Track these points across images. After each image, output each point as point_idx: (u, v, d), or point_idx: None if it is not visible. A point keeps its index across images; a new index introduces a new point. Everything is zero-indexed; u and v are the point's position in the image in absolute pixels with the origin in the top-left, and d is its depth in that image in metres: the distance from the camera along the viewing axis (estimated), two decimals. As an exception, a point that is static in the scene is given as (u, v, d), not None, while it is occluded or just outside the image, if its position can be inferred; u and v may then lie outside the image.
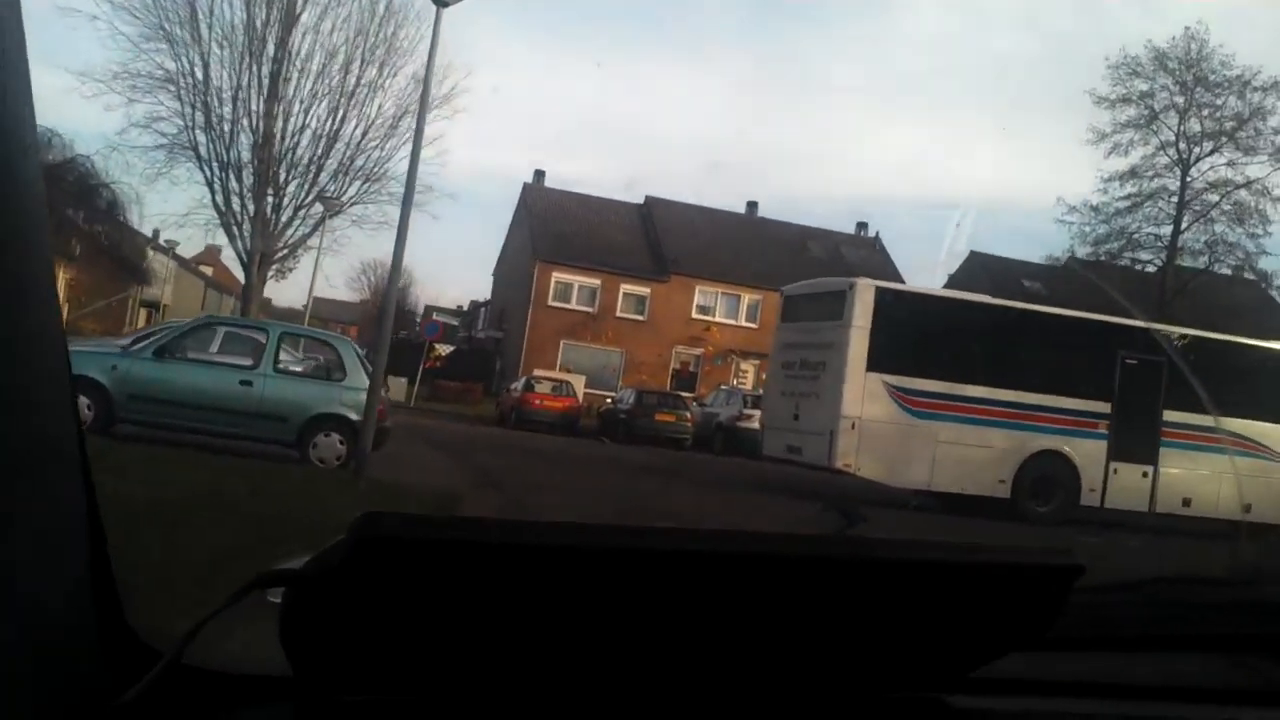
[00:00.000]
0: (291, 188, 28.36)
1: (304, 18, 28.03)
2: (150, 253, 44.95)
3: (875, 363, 16.12)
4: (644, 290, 42.49)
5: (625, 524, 1.01)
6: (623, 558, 0.98)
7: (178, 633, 0.97)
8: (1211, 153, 36.04)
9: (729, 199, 58.76)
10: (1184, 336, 18.25)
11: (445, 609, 0.96)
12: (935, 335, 16.61)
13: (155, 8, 26.64)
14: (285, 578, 0.95)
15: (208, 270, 67.36)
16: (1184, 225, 36.45)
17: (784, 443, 17.42)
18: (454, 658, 1.04)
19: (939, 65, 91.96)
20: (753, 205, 49.08)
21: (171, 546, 5.51)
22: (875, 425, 16.06)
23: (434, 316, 51.12)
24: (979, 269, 41.01)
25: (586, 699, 1.11)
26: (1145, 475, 17.00)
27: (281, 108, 27.77)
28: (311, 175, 28.33)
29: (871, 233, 49.24)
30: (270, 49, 27.51)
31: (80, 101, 24.94)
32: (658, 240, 43.80)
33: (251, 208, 27.81)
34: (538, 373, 33.44)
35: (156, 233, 45.00)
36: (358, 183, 28.82)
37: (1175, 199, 36.27)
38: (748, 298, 42.18)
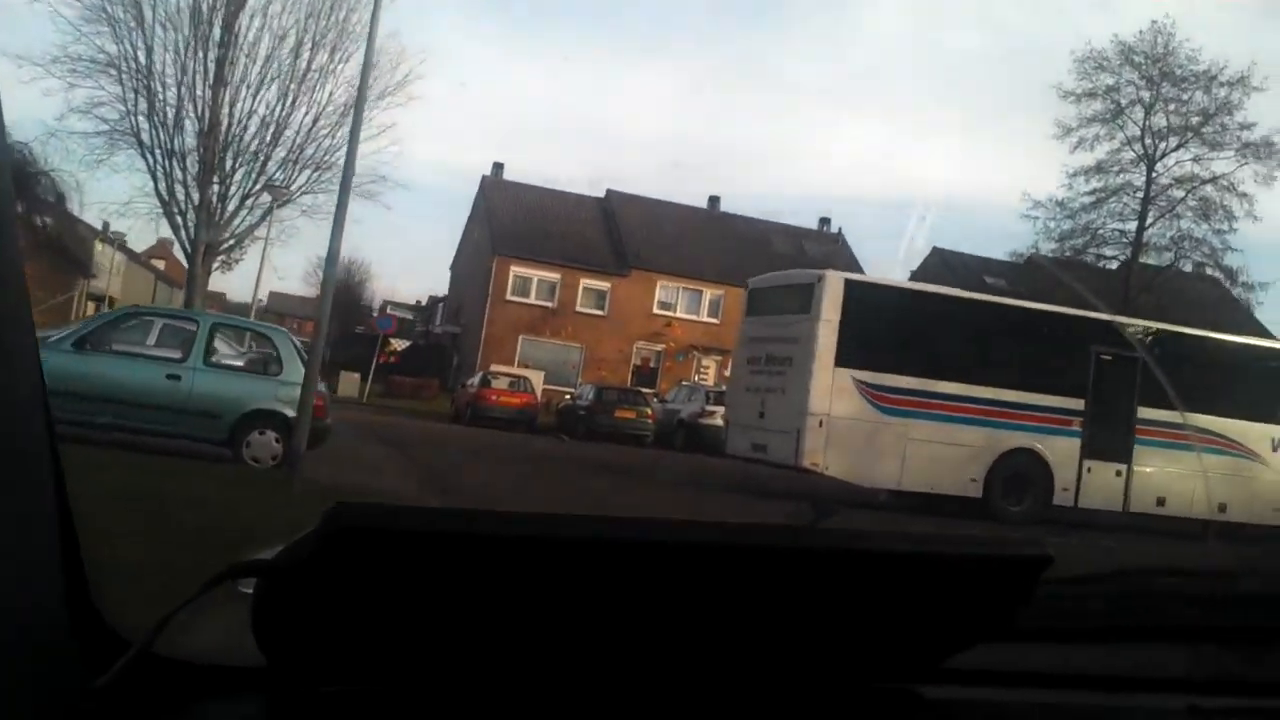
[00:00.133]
0: (238, 176, 27.44)
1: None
2: (99, 245, 43.67)
3: (844, 358, 15.52)
4: (604, 285, 41.88)
5: (600, 515, 0.99)
6: (597, 548, 0.98)
7: (150, 623, 0.97)
8: (1177, 148, 35.86)
9: (691, 195, 58.21)
10: (1159, 331, 17.84)
11: (417, 599, 0.97)
12: (906, 330, 16.10)
13: (98, -11, 25.58)
14: (257, 568, 0.95)
15: (159, 264, 65.75)
16: (1149, 221, 36.20)
17: (749, 441, 16.77)
18: (427, 648, 1.04)
19: (901, 62, 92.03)
20: (715, 200, 48.51)
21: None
22: (844, 423, 15.46)
23: (388, 310, 49.91)
24: (941, 265, 40.74)
25: (562, 689, 1.10)
26: (1119, 474, 16.59)
27: (228, 93, 26.81)
28: (259, 163, 27.38)
29: (835, 229, 48.79)
30: (216, 32, 26.47)
31: (18, 86, 23.73)
32: (619, 234, 43.17)
33: (196, 196, 26.77)
34: (495, 368, 32.67)
35: (106, 225, 43.74)
36: (307, 171, 27.93)
37: (1140, 195, 36.01)
38: (709, 293, 41.74)
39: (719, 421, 21.82)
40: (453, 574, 0.95)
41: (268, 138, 27.22)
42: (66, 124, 25.91)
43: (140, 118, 26.46)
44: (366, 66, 11.09)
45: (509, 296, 41.04)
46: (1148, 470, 16.46)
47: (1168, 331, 17.80)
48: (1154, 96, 35.59)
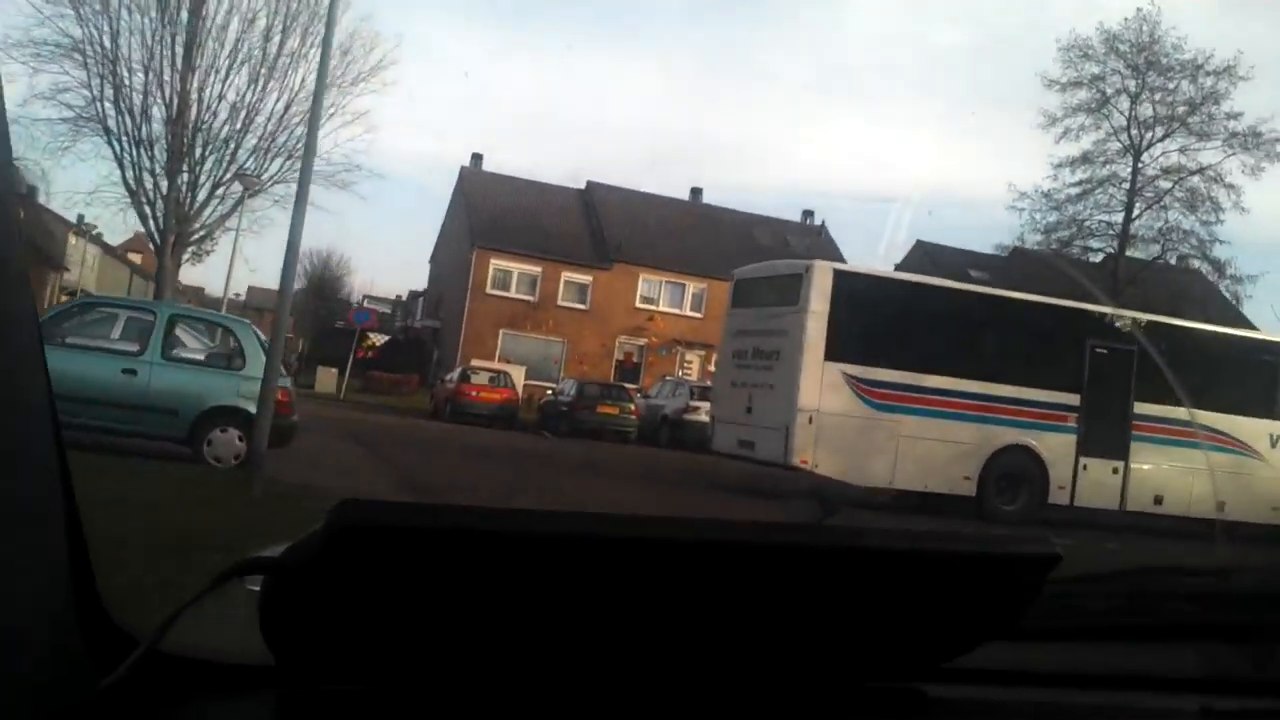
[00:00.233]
0: (208, 164, 26.68)
1: (220, -20, 26.27)
2: (72, 239, 42.78)
3: (834, 351, 14.99)
4: (586, 278, 41.30)
5: (605, 512, 1.00)
6: (603, 546, 0.98)
7: (157, 620, 0.97)
8: (1164, 138, 35.46)
9: (673, 188, 57.62)
10: (1156, 324, 17.41)
11: (425, 597, 0.97)
12: (898, 322, 15.63)
13: (61, -30, 24.76)
14: (264, 565, 0.95)
15: (136, 258, 64.72)
16: (1136, 213, 35.83)
17: (735, 437, 16.23)
18: (434, 646, 1.04)
19: (883, 55, 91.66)
20: (697, 192, 47.98)
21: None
22: (834, 419, 14.94)
23: (365, 304, 49.08)
24: (924, 258, 40.39)
25: (567, 686, 1.11)
26: (1116, 471, 16.19)
27: (196, 78, 25.98)
28: (229, 151, 26.58)
29: (818, 222, 48.32)
30: (184, 15, 25.67)
31: (-22, 70, 22.94)
32: (600, 227, 42.58)
33: (164, 185, 25.98)
34: (474, 363, 32.04)
35: (80, 218, 42.91)
36: (280, 160, 27.17)
37: (1127, 186, 35.62)
38: (693, 286, 41.26)
39: (704, 417, 21.35)
40: (460, 571, 0.95)
41: (238, 125, 26.50)
42: (30, 110, 25.10)
43: (106, 104, 25.76)
44: (326, 48, 10.43)
45: (489, 290, 40.43)
46: (1145, 468, 16.13)
47: (1165, 324, 17.43)
48: (1140, 86, 35.20)
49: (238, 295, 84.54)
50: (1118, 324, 16.50)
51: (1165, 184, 35.54)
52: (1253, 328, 29.21)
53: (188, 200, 26.56)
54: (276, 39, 26.77)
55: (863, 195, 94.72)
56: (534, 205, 42.78)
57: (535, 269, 40.83)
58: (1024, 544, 1.11)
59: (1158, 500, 16.11)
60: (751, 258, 26.59)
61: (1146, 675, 1.51)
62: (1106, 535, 13.96)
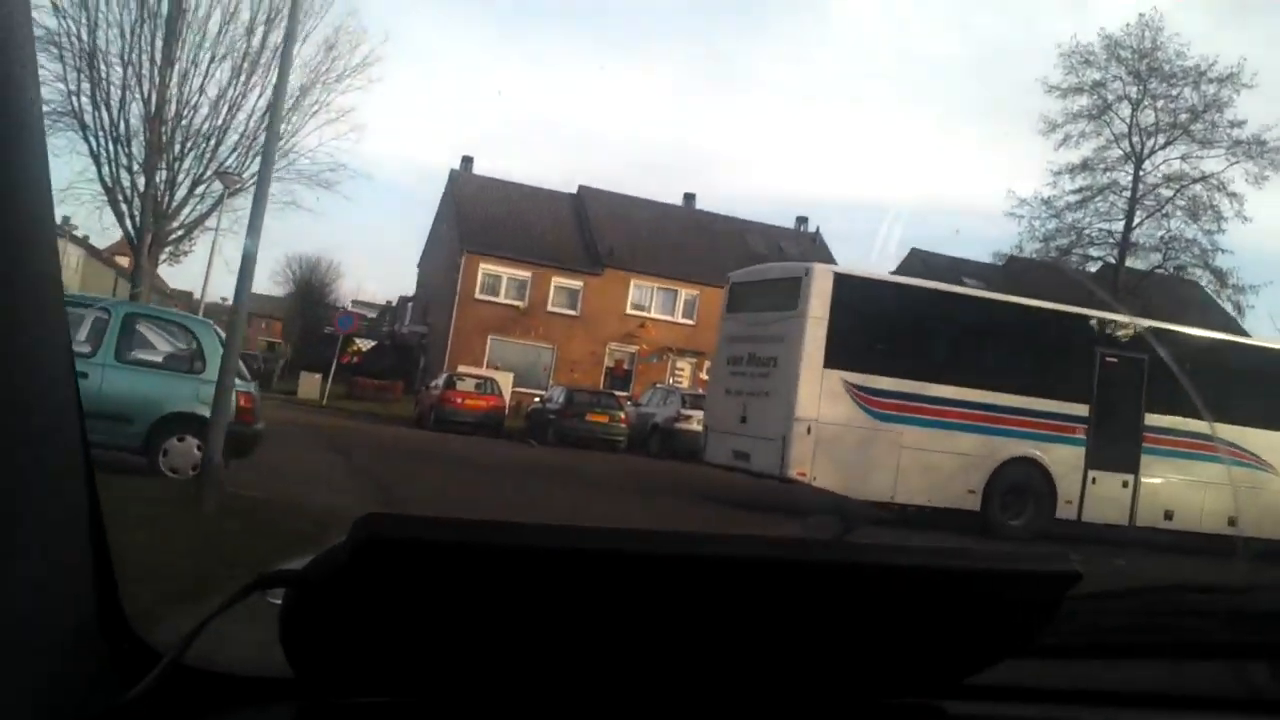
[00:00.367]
0: (187, 161, 25.90)
1: (202, -27, 25.54)
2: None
3: (833, 358, 14.31)
4: (577, 284, 40.65)
5: (627, 527, 1.00)
6: (623, 561, 0.99)
7: (180, 633, 0.98)
8: (1165, 146, 34.92)
9: (665, 194, 57.00)
10: (1168, 332, 16.79)
11: (447, 611, 0.97)
12: (900, 328, 15.01)
13: (35, -41, 24.01)
14: (286, 579, 0.95)
15: (123, 261, 63.77)
16: (1137, 221, 35.24)
17: (729, 448, 15.52)
18: (456, 660, 1.04)
19: (878, 62, 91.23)
20: (690, 198, 47.31)
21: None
22: (833, 429, 14.25)
23: (349, 308, 48.27)
24: (919, 266, 39.83)
25: (586, 702, 1.11)
26: (1125, 485, 15.56)
27: (176, 72, 25.20)
28: (210, 148, 25.77)
29: (811, 228, 47.66)
30: (165, 7, 24.91)
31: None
32: (591, 232, 41.92)
33: (142, 182, 25.18)
34: (461, 369, 31.31)
35: (66, 219, 42.03)
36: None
37: (1128, 194, 35.05)
38: (685, 293, 40.65)
39: (696, 426, 20.67)
40: (483, 586, 0.95)
41: (219, 121, 25.69)
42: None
43: (83, 98, 24.98)
44: (289, 38, 9.75)
45: (478, 295, 39.77)
46: (1156, 481, 15.55)
47: (1177, 332, 16.81)
48: (1141, 92, 34.69)
49: (224, 299, 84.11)
50: (1129, 331, 15.87)
51: (1167, 192, 35.02)
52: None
53: (166, 198, 25.82)
54: (260, 33, 26.07)
55: (857, 203, 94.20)
56: (524, 209, 42.16)
57: (525, 274, 40.17)
58: (1044, 561, 1.11)
59: (1168, 515, 15.55)
60: (744, 264, 25.90)
61: (1164, 693, 1.51)
62: (1116, 551, 13.39)
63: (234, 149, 26.29)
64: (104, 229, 63.15)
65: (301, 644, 0.98)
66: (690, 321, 40.03)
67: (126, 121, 25.24)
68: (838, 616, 1.09)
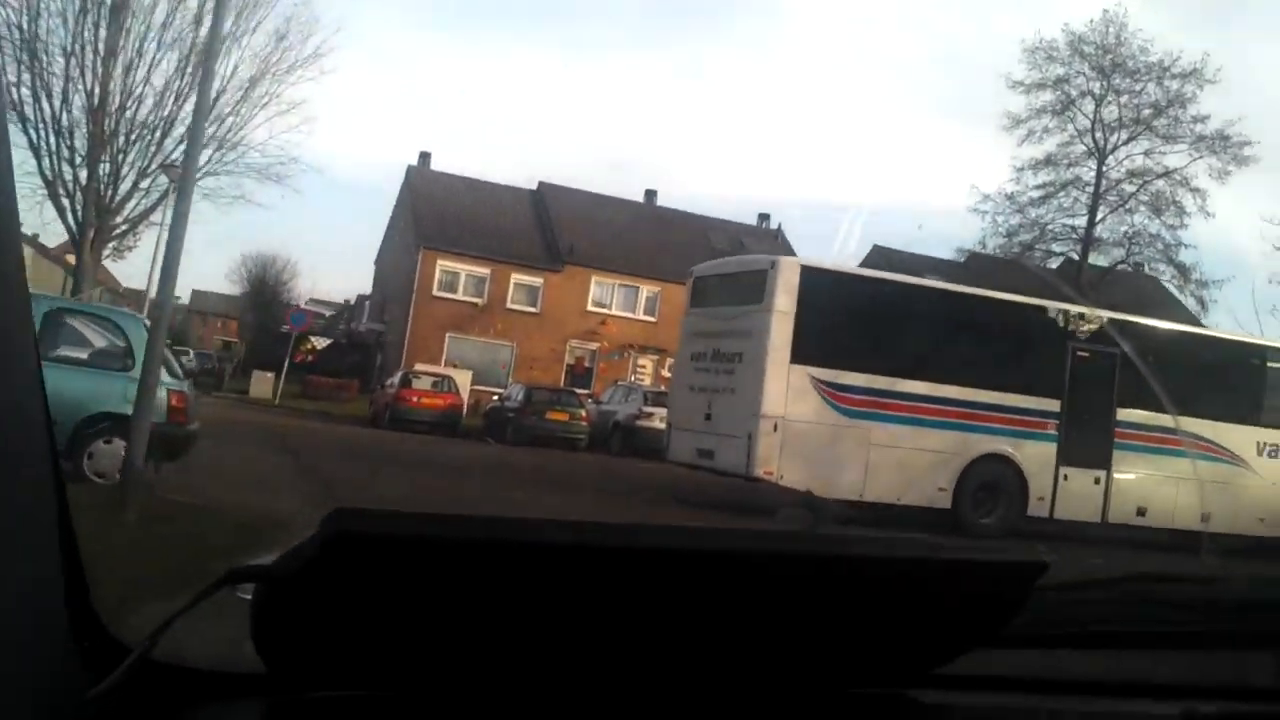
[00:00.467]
0: (132, 154, 24.96)
1: (148, -38, 24.65)
2: None
3: (801, 354, 13.85)
4: (536, 281, 40.06)
5: (597, 520, 0.99)
6: (595, 554, 0.98)
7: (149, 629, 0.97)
8: (1128, 141, 34.84)
9: (626, 191, 56.29)
10: (1140, 326, 16.53)
11: (416, 605, 0.97)
12: (869, 322, 14.58)
13: (-26, -51, 23.08)
14: (256, 574, 0.95)
15: (73, 259, 62.23)
16: (1100, 216, 35.15)
17: (693, 446, 15.02)
18: (426, 654, 1.04)
19: (839, 62, 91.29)
20: (651, 194, 46.81)
21: None
22: (801, 426, 13.80)
23: (302, 305, 47.27)
24: (882, 263, 39.50)
25: (557, 693, 1.11)
26: (1098, 481, 15.27)
27: (120, 62, 24.28)
28: (155, 140, 24.87)
29: (774, 225, 47.31)
30: (109, -4, 24.01)
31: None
32: (551, 228, 41.34)
33: (84, 176, 24.24)
34: (417, 367, 30.61)
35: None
36: (209, 151, 25.51)
37: (1091, 189, 34.92)
38: (646, 290, 40.20)
39: (658, 424, 20.22)
40: (451, 579, 0.94)
41: (165, 113, 24.80)
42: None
43: (23, 90, 24.00)
44: (218, 16, 9.15)
45: (436, 292, 39.09)
46: (1128, 477, 15.27)
47: (1150, 326, 16.56)
48: (1105, 88, 34.54)
49: (178, 298, 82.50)
50: (1101, 325, 15.55)
51: (1130, 187, 34.95)
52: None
53: (109, 192, 24.91)
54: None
55: (819, 203, 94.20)
56: (483, 205, 41.52)
57: (484, 271, 39.52)
58: (1011, 551, 1.18)
59: (1140, 512, 15.32)
60: (706, 260, 25.49)
61: (1132, 681, 1.53)
62: (1088, 548, 13.11)
63: (180, 141, 25.37)
64: (45, 224, 61.68)
65: (272, 639, 0.98)
66: (652, 318, 39.65)
67: (69, 113, 24.40)
68: (808, 607, 1.09)
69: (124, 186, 25.13)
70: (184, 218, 8.29)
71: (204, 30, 24.91)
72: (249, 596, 0.96)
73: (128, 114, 24.81)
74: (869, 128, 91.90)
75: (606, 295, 40.74)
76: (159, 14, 24.90)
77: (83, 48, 24.29)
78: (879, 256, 41.94)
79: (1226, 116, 33.46)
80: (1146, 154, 34.89)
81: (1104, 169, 34.78)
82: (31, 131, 24.09)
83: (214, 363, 48.33)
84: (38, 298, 11.10)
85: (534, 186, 44.20)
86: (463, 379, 31.49)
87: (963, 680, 1.32)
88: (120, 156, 24.90)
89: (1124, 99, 34.41)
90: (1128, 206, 35.02)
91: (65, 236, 49.02)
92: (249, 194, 26.50)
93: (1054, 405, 15.02)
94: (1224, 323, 31.77)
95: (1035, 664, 1.46)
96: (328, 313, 55.63)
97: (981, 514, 14.69)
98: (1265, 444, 15.88)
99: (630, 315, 40.43)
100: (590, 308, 40.38)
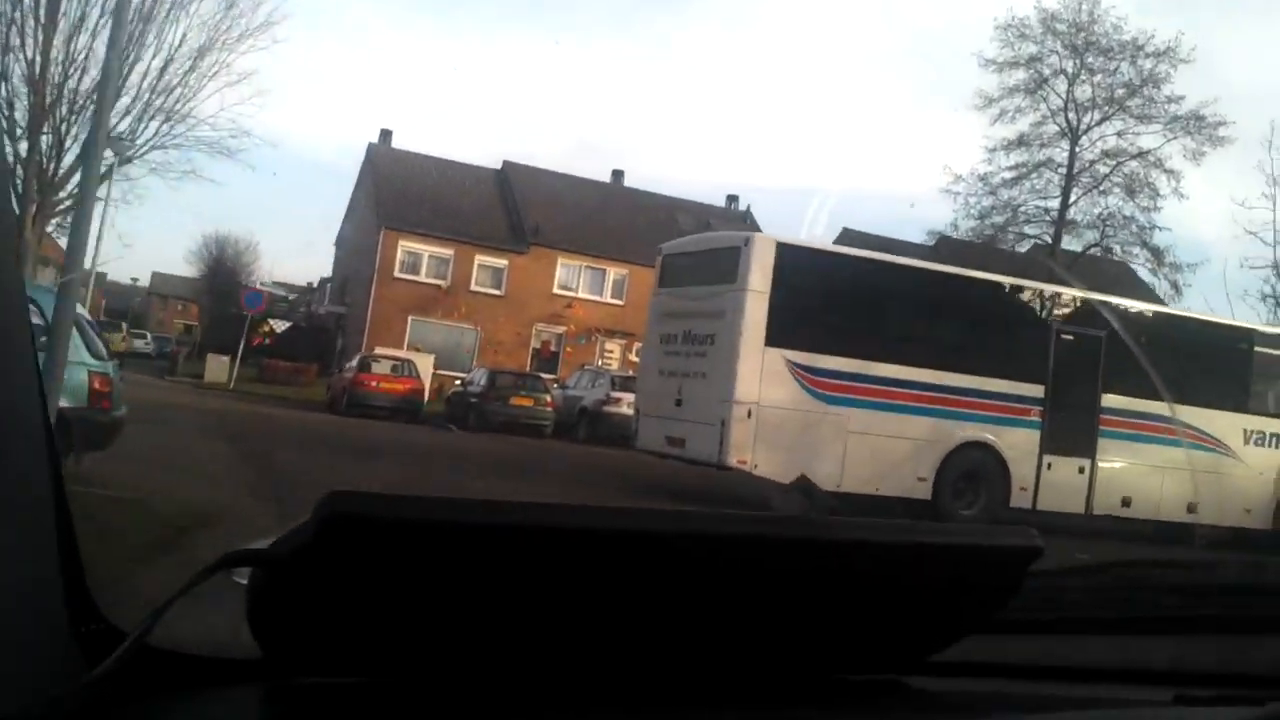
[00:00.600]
0: (75, 126, 23.78)
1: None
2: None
3: (776, 336, 13.18)
4: (501, 262, 39.21)
5: (596, 504, 1.00)
6: (593, 538, 0.98)
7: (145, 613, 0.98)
8: (1101, 122, 34.40)
9: (592, 172, 55.41)
10: (1126, 309, 16.01)
11: (413, 589, 0.97)
12: (848, 303, 13.96)
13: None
14: (252, 558, 0.95)
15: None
16: (1073, 198, 34.73)
17: (663, 433, 14.31)
18: (423, 639, 1.04)
19: (808, 44, 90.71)
20: (619, 174, 45.99)
21: None
22: (776, 413, 13.13)
23: (258, 286, 46.10)
24: (851, 245, 39.07)
25: (555, 678, 1.11)
26: (1082, 470, 14.69)
27: (63, 30, 23.15)
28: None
29: (743, 207, 46.63)
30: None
31: None
32: (516, 208, 40.45)
33: (24, 149, 23.13)
34: (377, 350, 29.72)
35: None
36: (156, 123, 24.47)
37: (1064, 170, 34.48)
38: (613, 272, 39.50)
39: (626, 410, 19.50)
40: (449, 564, 0.95)
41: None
42: None
43: (-42, 59, 22.80)
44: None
45: (398, 274, 38.19)
46: (1114, 466, 14.72)
47: (1136, 310, 16.05)
48: (1078, 67, 34.09)
49: (135, 280, 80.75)
50: (1086, 307, 15.00)
51: (1103, 168, 34.52)
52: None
53: (51, 166, 23.78)
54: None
55: (789, 186, 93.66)
56: (446, 185, 40.61)
57: (447, 252, 38.62)
58: (1006, 536, 1.14)
59: (1126, 502, 14.85)
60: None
61: (1124, 667, 1.53)
62: (1073, 540, 12.58)
63: (126, 112, 24.30)
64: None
65: (268, 624, 0.98)
66: (619, 302, 38.99)
67: (8, 83, 23.23)
68: (800, 592, 1.09)
69: (67, 160, 24.05)
70: (93, 182, 7.46)
71: (149, -1, 23.85)
72: (245, 581, 0.95)
73: (70, 84, 23.68)
74: (838, 110, 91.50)
75: (573, 277, 40.01)
76: (103, -19, 23.73)
77: (22, 15, 23.17)
78: (848, 240, 41.49)
79: (1201, 97, 33.20)
80: (1120, 134, 34.55)
81: (1077, 149, 34.40)
82: (-33, 102, 22.99)
83: (173, 346, 47.21)
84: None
85: (498, 166, 43.30)
86: (425, 363, 30.71)
87: (955, 666, 1.32)
88: (63, 128, 23.81)
89: (1097, 78, 34.03)
90: (1101, 188, 34.66)
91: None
92: (200, 169, 25.44)
93: (1037, 390, 14.46)
94: (1197, 308, 31.50)
95: (1028, 649, 1.46)
96: (291, 295, 54.47)
97: (962, 505, 14.13)
98: (1253, 432, 15.42)
99: (597, 298, 39.74)
100: (556, 290, 39.65)
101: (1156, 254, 34.51)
